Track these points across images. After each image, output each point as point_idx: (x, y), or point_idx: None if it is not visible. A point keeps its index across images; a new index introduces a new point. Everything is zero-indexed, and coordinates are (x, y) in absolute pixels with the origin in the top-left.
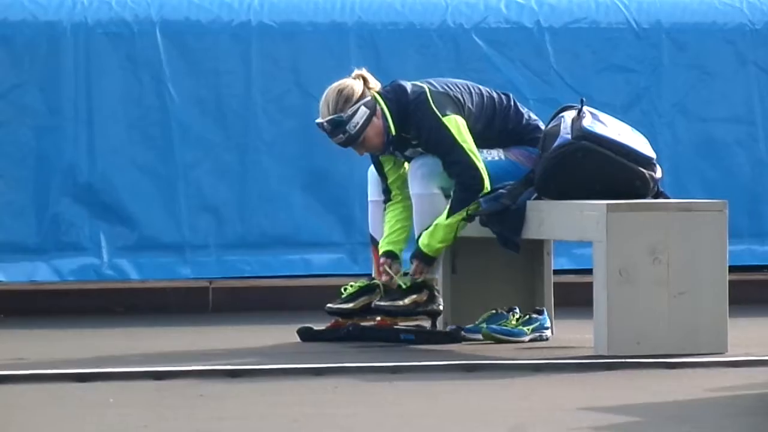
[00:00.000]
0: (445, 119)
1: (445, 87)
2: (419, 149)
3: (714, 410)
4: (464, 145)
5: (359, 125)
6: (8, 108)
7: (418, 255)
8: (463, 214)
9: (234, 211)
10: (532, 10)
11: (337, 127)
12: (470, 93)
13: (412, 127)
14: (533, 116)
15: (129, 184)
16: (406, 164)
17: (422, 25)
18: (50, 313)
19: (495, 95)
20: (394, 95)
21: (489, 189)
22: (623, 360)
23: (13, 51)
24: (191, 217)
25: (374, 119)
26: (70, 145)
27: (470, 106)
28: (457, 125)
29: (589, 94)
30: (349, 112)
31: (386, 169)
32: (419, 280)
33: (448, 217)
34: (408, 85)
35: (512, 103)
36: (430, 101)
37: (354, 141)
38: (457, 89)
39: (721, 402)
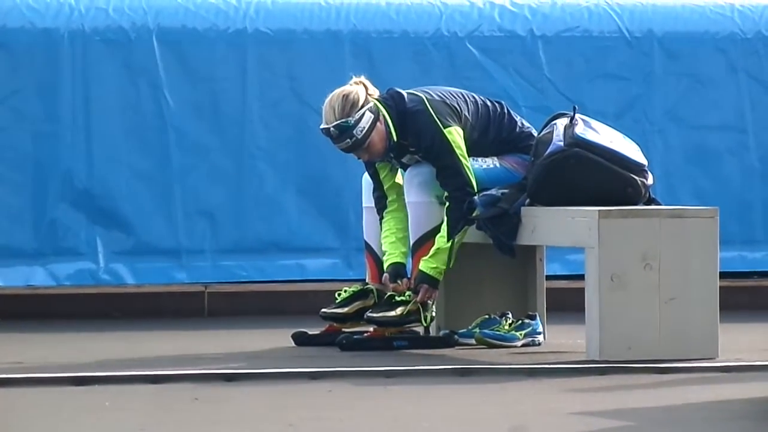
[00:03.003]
0: (446, 131)
1: (442, 95)
2: (417, 156)
3: (704, 415)
4: (463, 159)
5: (365, 130)
6: (6, 114)
7: (426, 280)
8: (461, 235)
9: (230, 217)
10: (525, 19)
11: (344, 132)
12: (465, 102)
13: (411, 135)
14: (526, 124)
15: (126, 190)
16: (399, 173)
17: (416, 33)
18: (47, 317)
19: (489, 103)
20: (393, 102)
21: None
22: (615, 365)
23: (11, 57)
24: (187, 223)
25: (378, 124)
26: (67, 150)
27: (467, 114)
28: (456, 138)
29: (581, 102)
30: (356, 116)
31: (382, 176)
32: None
33: (448, 240)
34: (405, 94)
35: (506, 111)
36: (430, 110)
37: (360, 146)
38: (453, 98)
39: (712, 407)
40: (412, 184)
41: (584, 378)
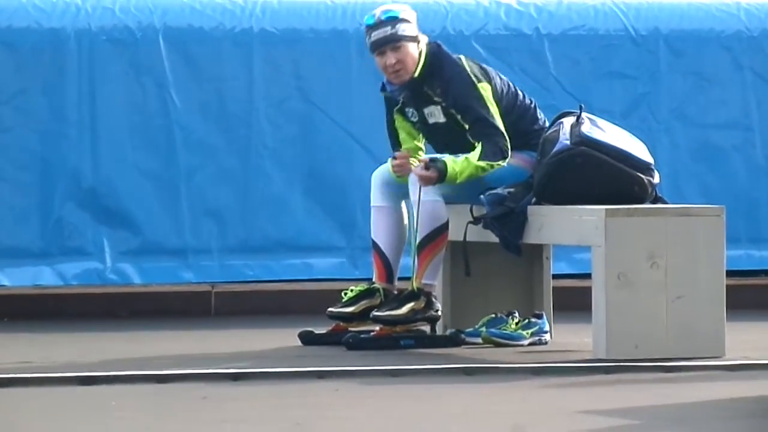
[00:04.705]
0: (479, 85)
1: (479, 63)
2: (439, 107)
3: (711, 413)
4: (495, 114)
5: (406, 33)
6: (13, 113)
7: (440, 166)
8: (490, 165)
9: (236, 216)
10: (531, 17)
11: (389, 21)
12: (500, 78)
13: (441, 82)
14: (546, 125)
15: (132, 189)
16: (419, 144)
17: (423, 31)
18: (54, 317)
19: (520, 93)
20: (431, 49)
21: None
22: (622, 363)
23: (17, 57)
24: (194, 222)
25: (416, 45)
26: (74, 150)
27: (496, 86)
28: (488, 94)
29: (587, 101)
30: (405, 17)
31: (400, 137)
32: (414, 287)
33: (479, 159)
34: (444, 47)
35: (532, 105)
36: (464, 64)
37: (394, 41)
38: (489, 69)
39: (719, 405)
40: (417, 183)
41: (591, 377)
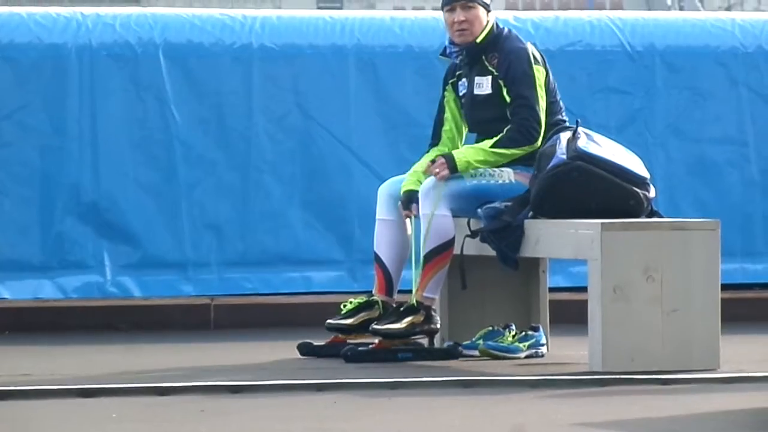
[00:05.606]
0: (535, 66)
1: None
2: (490, 77)
3: (706, 426)
4: (541, 100)
5: None
6: (14, 128)
7: (447, 156)
8: (508, 152)
9: (235, 230)
10: (528, 34)
11: None
12: (555, 84)
13: (501, 54)
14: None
15: (132, 203)
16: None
17: (420, 47)
18: (54, 330)
19: (563, 112)
20: (499, 25)
21: (539, 146)
22: (617, 376)
23: (18, 72)
24: (193, 236)
25: (486, 14)
26: (74, 164)
27: (550, 78)
28: (540, 76)
29: (584, 116)
30: None
31: (445, 116)
32: (415, 301)
33: (493, 146)
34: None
35: (562, 124)
36: (527, 46)
37: None
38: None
39: (714, 418)
40: (427, 196)
41: (587, 389)
